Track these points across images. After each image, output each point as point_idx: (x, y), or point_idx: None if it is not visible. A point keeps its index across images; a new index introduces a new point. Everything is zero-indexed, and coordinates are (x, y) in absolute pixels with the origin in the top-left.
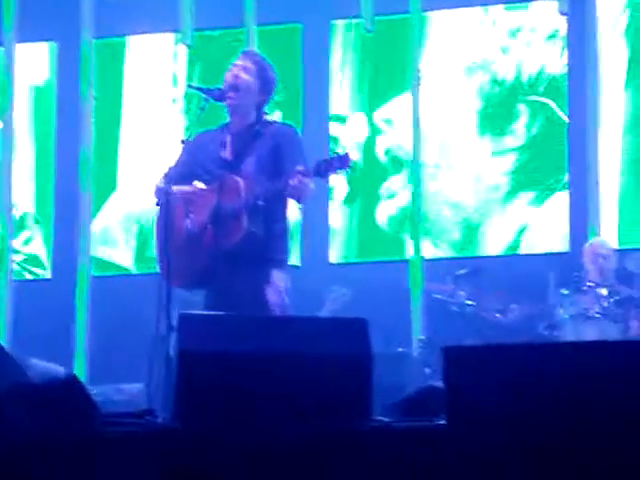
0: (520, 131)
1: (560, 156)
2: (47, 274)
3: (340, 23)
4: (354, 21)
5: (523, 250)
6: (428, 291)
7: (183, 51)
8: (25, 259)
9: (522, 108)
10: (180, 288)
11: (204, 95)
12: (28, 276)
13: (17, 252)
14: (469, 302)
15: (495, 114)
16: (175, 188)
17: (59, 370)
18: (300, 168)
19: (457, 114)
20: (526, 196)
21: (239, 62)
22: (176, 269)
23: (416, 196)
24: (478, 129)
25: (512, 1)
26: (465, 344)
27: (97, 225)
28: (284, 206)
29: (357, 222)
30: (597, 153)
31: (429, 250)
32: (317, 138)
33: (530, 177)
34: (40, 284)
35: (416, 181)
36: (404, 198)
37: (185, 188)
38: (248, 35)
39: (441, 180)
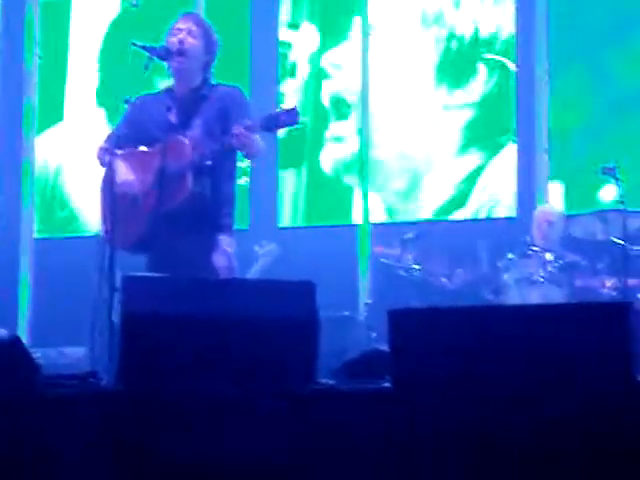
0: (475, 88)
1: (512, 117)
2: None
3: None
4: None
5: (470, 208)
6: (375, 255)
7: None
8: None
9: (479, 65)
10: (124, 251)
11: (148, 54)
12: None
13: None
14: (416, 266)
15: (452, 68)
16: (118, 151)
17: (1, 332)
18: (247, 122)
19: (411, 64)
20: (476, 153)
21: (182, 25)
22: (119, 232)
23: (363, 144)
24: (434, 82)
25: None
26: (410, 307)
27: None
28: (232, 167)
29: (306, 173)
30: (545, 116)
31: (374, 198)
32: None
33: (480, 134)
34: None
35: (364, 128)
36: (350, 144)
37: (128, 151)
38: None
39: (390, 128)
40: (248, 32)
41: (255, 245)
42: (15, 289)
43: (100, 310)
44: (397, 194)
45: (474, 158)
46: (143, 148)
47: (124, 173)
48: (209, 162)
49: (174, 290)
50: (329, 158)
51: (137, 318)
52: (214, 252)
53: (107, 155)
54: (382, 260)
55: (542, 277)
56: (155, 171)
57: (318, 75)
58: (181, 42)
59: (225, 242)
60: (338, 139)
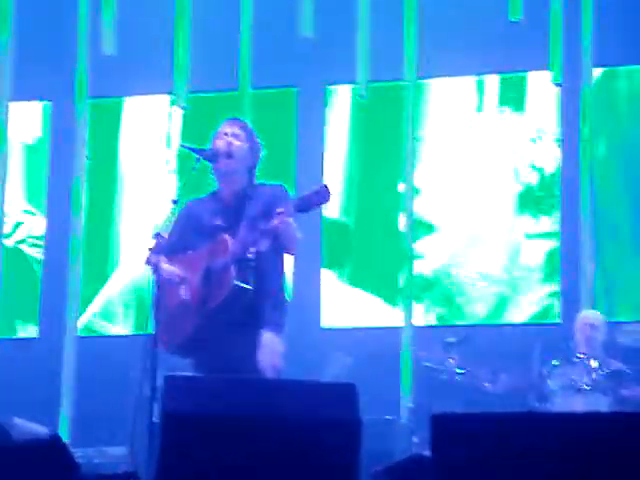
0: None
1: None
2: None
3: (335, 88)
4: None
5: (516, 315)
6: (418, 358)
7: (177, 113)
8: None
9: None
10: (171, 353)
11: (196, 155)
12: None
13: None
14: (459, 370)
15: (534, 198)
16: (164, 264)
17: (42, 431)
18: (281, 210)
19: (491, 189)
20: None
21: (228, 129)
22: (167, 334)
23: (409, 262)
24: (516, 208)
25: (507, 71)
26: (454, 412)
27: (98, 300)
28: (278, 263)
29: (348, 286)
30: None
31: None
32: None
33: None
34: (26, 342)
35: (409, 245)
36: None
37: (169, 268)
38: (242, 98)
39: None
40: (294, 131)
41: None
42: (58, 386)
43: (141, 410)
44: (445, 301)
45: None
46: (191, 252)
47: (172, 276)
48: (251, 255)
49: (215, 390)
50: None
51: (177, 418)
52: (258, 351)
53: (155, 260)
54: (425, 364)
55: (587, 385)
56: (202, 272)
57: None
58: (228, 145)
59: (270, 340)
60: (415, 256)
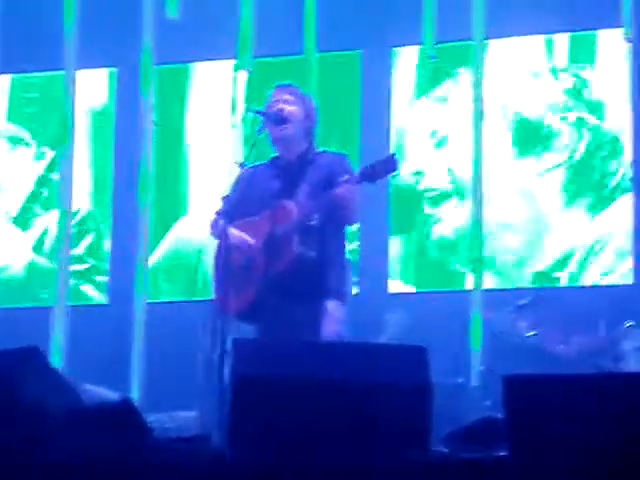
0: (562, 148)
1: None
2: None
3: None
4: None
5: (587, 276)
6: (488, 321)
7: (242, 77)
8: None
9: (562, 125)
10: (235, 319)
11: (263, 117)
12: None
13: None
14: (530, 333)
15: (533, 134)
16: (232, 229)
17: (113, 395)
18: (345, 177)
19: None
20: (584, 202)
21: (277, 96)
22: (231, 299)
23: (476, 223)
24: (516, 151)
25: (577, 29)
26: (527, 374)
27: (156, 254)
28: (340, 230)
29: (413, 250)
30: None
31: (488, 279)
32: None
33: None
34: (96, 309)
35: (477, 206)
36: (456, 224)
37: (237, 234)
38: (308, 62)
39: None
40: (359, 99)
41: (386, 314)
42: (128, 353)
43: (211, 374)
44: (510, 260)
45: (584, 208)
46: (252, 218)
47: (235, 242)
48: (314, 222)
49: (284, 353)
50: (441, 224)
51: (247, 381)
52: (322, 319)
53: (219, 225)
54: (495, 326)
55: None
56: (263, 238)
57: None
58: (280, 110)
59: (333, 308)
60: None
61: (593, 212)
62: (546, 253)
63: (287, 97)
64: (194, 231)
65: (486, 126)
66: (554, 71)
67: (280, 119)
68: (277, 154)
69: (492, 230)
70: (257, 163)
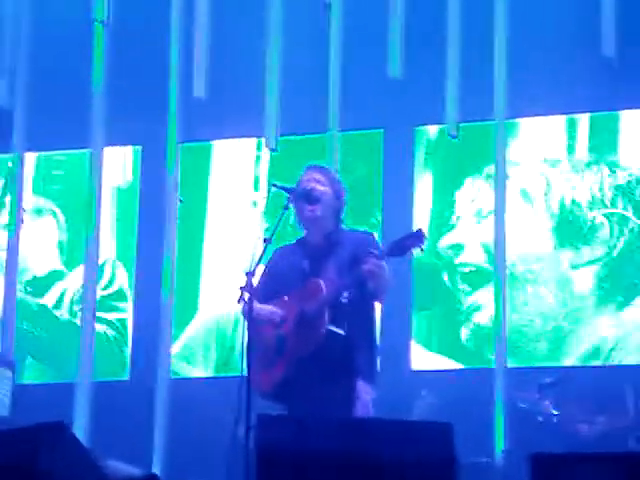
0: (600, 243)
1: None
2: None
3: (423, 129)
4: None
5: (611, 359)
6: (512, 400)
7: (266, 155)
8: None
9: (602, 220)
10: (263, 398)
11: (288, 194)
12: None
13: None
14: (554, 412)
15: (573, 227)
16: (259, 305)
17: (135, 471)
18: (375, 251)
19: (530, 227)
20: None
21: (309, 176)
22: (259, 377)
23: (499, 309)
24: (555, 241)
25: (599, 110)
26: (553, 453)
27: (178, 343)
28: (369, 309)
29: (438, 335)
30: None
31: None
32: None
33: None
34: (119, 384)
35: (499, 293)
36: (486, 313)
37: (267, 308)
38: (331, 140)
39: (526, 291)
40: (381, 176)
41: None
42: (151, 428)
43: (236, 449)
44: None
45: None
46: (282, 297)
47: (266, 316)
48: (344, 299)
49: (309, 430)
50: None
51: (271, 456)
52: (352, 402)
53: (247, 313)
54: (520, 405)
55: None
56: (294, 316)
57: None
58: (313, 190)
59: (362, 389)
60: (476, 309)
61: (622, 309)
62: (574, 346)
63: (319, 177)
64: (213, 309)
65: (529, 211)
66: (610, 165)
67: (312, 199)
68: (304, 233)
69: (521, 311)
70: (283, 244)
